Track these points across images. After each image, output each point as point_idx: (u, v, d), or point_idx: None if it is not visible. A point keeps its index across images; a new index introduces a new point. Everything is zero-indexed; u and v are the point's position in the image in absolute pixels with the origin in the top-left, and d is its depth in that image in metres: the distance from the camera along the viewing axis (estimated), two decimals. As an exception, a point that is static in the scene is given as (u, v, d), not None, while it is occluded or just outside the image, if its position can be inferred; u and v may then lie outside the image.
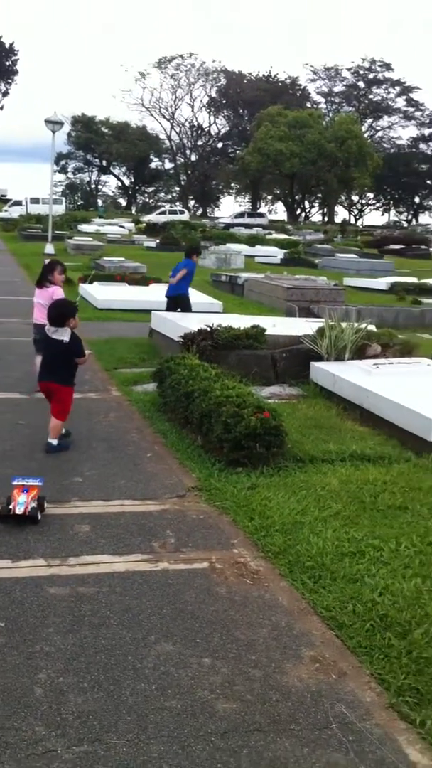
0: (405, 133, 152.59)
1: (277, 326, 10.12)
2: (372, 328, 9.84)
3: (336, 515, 4.94)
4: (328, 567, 4.18)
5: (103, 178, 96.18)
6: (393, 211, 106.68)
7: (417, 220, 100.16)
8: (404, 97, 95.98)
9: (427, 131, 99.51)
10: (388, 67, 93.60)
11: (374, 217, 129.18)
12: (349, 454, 6.29)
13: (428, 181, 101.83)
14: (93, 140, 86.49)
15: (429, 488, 5.49)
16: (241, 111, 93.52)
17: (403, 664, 3.29)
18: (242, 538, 4.69)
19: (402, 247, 42.64)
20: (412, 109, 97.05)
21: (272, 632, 3.60)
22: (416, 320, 16.23)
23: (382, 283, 22.17)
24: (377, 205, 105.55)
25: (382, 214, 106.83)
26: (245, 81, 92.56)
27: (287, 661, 3.36)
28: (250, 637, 3.54)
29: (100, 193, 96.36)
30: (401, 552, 4.36)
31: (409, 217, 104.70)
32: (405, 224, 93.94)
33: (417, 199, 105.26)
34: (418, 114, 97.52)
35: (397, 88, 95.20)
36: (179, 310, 12.46)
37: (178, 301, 12.80)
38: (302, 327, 10.03)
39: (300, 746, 2.80)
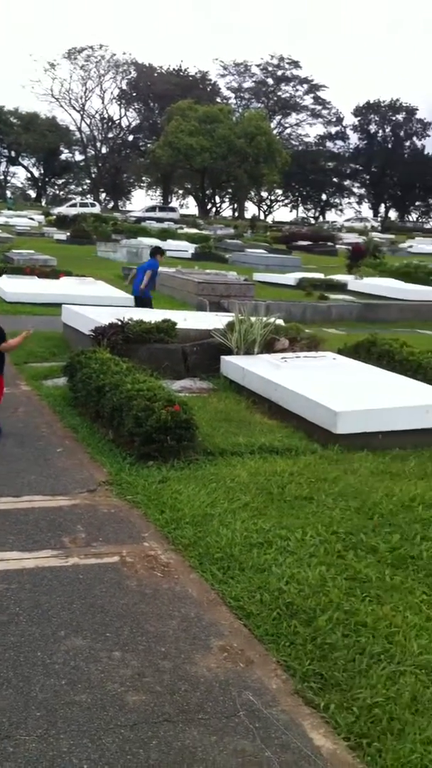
0: (312, 131, 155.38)
1: (188, 320, 10.18)
2: (280, 322, 10.00)
3: (245, 507, 5.03)
4: (237, 558, 4.25)
5: (12, 169, 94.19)
6: (301, 208, 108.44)
7: (324, 217, 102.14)
8: (312, 95, 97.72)
9: (333, 129, 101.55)
10: (296, 64, 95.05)
11: (283, 213, 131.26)
12: (258, 447, 6.40)
13: (335, 179, 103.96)
14: (1, 130, 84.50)
15: (334, 479, 5.65)
16: (151, 104, 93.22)
17: (308, 650, 3.39)
18: (153, 531, 4.72)
19: (309, 243, 43.32)
20: (319, 107, 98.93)
21: (182, 624, 3.64)
22: (323, 315, 16.59)
23: (291, 278, 22.48)
24: (286, 201, 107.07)
25: (291, 211, 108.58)
26: (156, 74, 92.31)
27: (196, 652, 3.41)
28: (159, 629, 3.57)
29: (8, 185, 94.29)
30: (307, 541, 4.48)
31: (317, 213, 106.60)
32: (312, 221, 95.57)
33: (324, 197, 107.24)
34: (325, 112, 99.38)
35: (305, 86, 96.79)
36: None
37: (144, 302, 13.24)
38: (213, 321, 10.12)
39: (208, 735, 2.85)
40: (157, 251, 14.36)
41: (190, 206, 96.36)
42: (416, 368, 8.38)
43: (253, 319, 9.31)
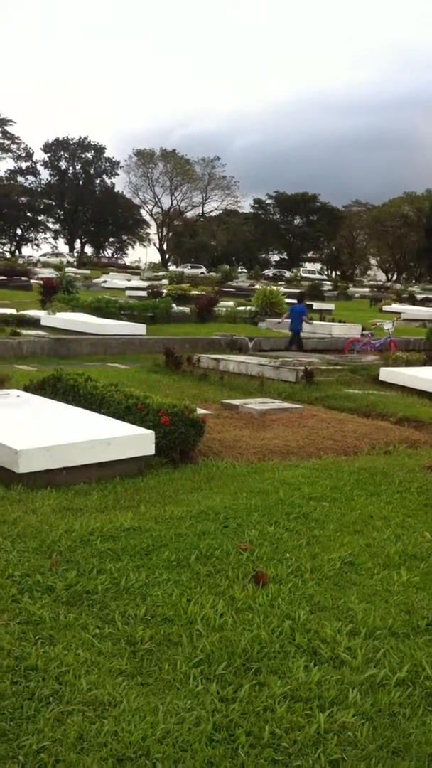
0: (2, 165, 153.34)
1: None
2: (-38, 361, 9.65)
3: None
4: None
5: None
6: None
7: (20, 252, 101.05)
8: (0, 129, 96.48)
9: (24, 164, 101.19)
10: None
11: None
12: None
13: (29, 214, 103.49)
14: None
15: (14, 520, 5.52)
16: None
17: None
18: None
19: (3, 278, 42.55)
20: (8, 142, 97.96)
21: None
22: (14, 351, 16.33)
23: (-19, 314, 21.89)
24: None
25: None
26: None
27: None
28: None
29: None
30: (-20, 589, 4.31)
31: (12, 248, 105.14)
32: (9, 255, 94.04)
33: (19, 231, 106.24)
34: (14, 147, 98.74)
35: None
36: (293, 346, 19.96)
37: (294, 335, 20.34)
38: None
39: None
40: (302, 297, 23.21)
41: None
42: (100, 402, 8.52)
43: None
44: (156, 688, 3.43)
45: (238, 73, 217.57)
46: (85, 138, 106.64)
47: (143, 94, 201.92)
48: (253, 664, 3.65)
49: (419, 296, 57.52)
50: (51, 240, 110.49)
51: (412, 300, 53.57)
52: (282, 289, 40.17)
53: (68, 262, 75.25)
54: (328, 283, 71.40)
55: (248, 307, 30.57)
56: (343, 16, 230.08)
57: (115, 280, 52.36)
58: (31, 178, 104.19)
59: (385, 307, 41.30)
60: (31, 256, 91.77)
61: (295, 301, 22.64)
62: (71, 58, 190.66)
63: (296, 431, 9.51)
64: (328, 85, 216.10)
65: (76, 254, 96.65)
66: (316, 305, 37.73)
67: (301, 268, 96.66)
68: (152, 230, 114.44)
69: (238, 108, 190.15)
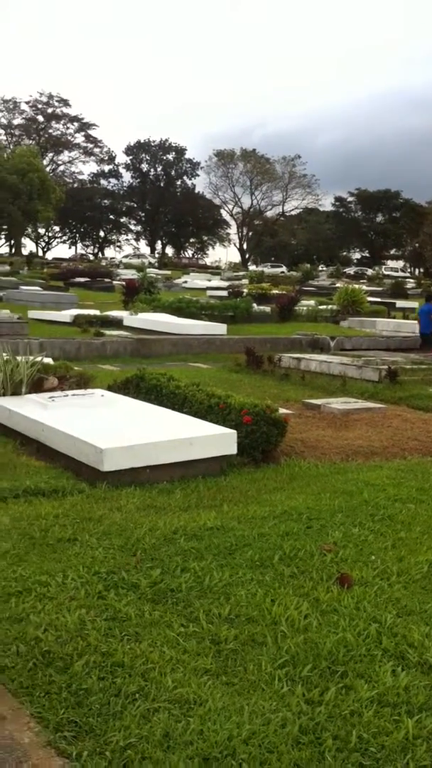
0: (86, 168, 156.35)
1: None
2: (48, 361, 9.88)
3: (4, 555, 4.85)
4: (-7, 610, 4.08)
5: None
6: (80, 244, 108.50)
7: (103, 253, 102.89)
8: (83, 133, 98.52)
9: (106, 167, 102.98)
10: (65, 102, 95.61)
11: (62, 250, 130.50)
12: (22, 490, 6.23)
13: (111, 216, 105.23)
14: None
15: (99, 517, 5.61)
16: None
17: (63, 698, 3.30)
18: None
19: (87, 279, 43.41)
20: (91, 146, 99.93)
21: None
22: (98, 351, 16.61)
23: (66, 315, 22.34)
24: (64, 238, 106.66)
25: (69, 247, 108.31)
26: None
27: None
28: None
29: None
30: (68, 585, 4.39)
31: (96, 250, 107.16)
32: (92, 257, 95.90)
33: (102, 233, 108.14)
34: (97, 150, 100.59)
35: (76, 124, 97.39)
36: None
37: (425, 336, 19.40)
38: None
39: None
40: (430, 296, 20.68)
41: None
42: (182, 402, 8.58)
43: (19, 358, 9.11)
44: (241, 688, 3.42)
45: (315, 71, 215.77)
46: (166, 140, 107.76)
47: (222, 94, 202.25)
48: (339, 667, 3.60)
49: None
50: (133, 241, 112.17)
51: None
52: (364, 287, 39.67)
53: (150, 263, 76.20)
54: (412, 280, 70.14)
55: (329, 306, 30.32)
56: (420, 12, 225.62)
57: (195, 280, 52.73)
58: (113, 180, 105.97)
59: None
60: (113, 258, 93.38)
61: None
62: (149, 60, 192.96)
63: (380, 431, 9.36)
64: (406, 81, 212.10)
65: (157, 255, 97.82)
66: (399, 303, 37.14)
67: (384, 266, 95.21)
68: (232, 230, 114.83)
69: (318, 106, 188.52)
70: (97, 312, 23.63)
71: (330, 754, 2.96)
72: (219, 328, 20.70)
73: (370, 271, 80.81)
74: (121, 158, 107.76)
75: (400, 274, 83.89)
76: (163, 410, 8.27)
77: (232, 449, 7.29)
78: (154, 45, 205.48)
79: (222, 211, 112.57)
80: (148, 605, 4.18)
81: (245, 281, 51.51)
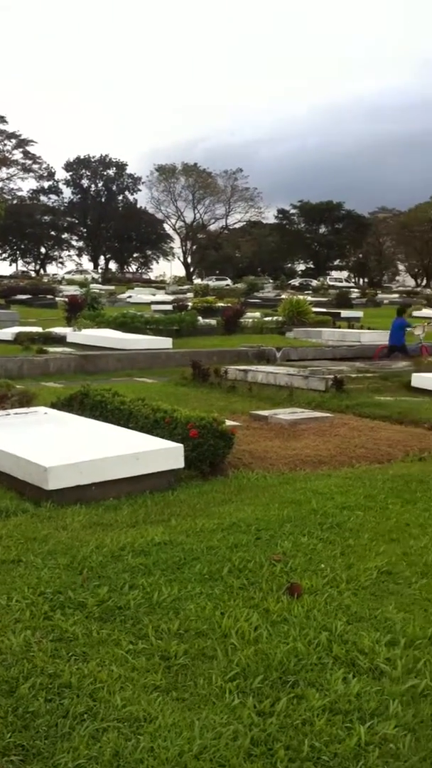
0: (25, 185, 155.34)
1: None
2: (-11, 380, 9.71)
3: None
4: None
5: None
6: (20, 261, 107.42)
7: (45, 270, 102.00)
8: (21, 149, 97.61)
9: (46, 184, 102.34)
10: (2, 119, 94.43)
11: (2, 267, 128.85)
12: (-36, 513, 6.09)
13: (52, 232, 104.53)
14: None
15: (44, 537, 5.51)
16: None
17: (9, 722, 3.21)
18: None
19: (29, 296, 42.96)
20: (29, 162, 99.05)
21: None
22: (41, 369, 16.41)
23: (8, 333, 22.04)
24: (4, 255, 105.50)
25: (10, 264, 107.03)
26: None
27: None
28: None
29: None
30: (12, 607, 4.28)
31: (37, 267, 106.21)
32: (33, 274, 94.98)
33: (43, 250, 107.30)
34: (35, 167, 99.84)
35: (13, 141, 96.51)
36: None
37: (397, 349, 19.81)
38: None
39: None
40: (402, 311, 21.51)
41: None
42: (128, 417, 8.50)
43: (-41, 378, 8.94)
44: (192, 703, 3.37)
45: (259, 83, 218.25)
46: (106, 155, 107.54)
47: (163, 109, 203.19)
48: (290, 677, 3.58)
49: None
50: (75, 257, 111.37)
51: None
52: (309, 298, 40.06)
53: (93, 278, 75.71)
54: (356, 290, 71.09)
55: (275, 317, 30.53)
56: (367, 22, 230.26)
57: (140, 295, 52.67)
58: (53, 197, 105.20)
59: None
60: (55, 274, 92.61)
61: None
62: (89, 73, 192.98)
63: (327, 440, 9.42)
64: (352, 93, 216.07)
65: (100, 271, 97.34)
66: (344, 313, 37.60)
67: (328, 277, 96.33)
68: (176, 244, 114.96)
69: (263, 119, 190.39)
70: (39, 329, 23.39)
71: (282, 764, 2.93)
72: (164, 342, 20.66)
73: (314, 282, 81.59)
74: (61, 174, 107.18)
75: (345, 284, 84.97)
76: (108, 426, 8.19)
77: (179, 463, 7.25)
78: (95, 60, 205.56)
79: (165, 225, 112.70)
80: (95, 624, 4.11)
81: (190, 295, 51.57)
